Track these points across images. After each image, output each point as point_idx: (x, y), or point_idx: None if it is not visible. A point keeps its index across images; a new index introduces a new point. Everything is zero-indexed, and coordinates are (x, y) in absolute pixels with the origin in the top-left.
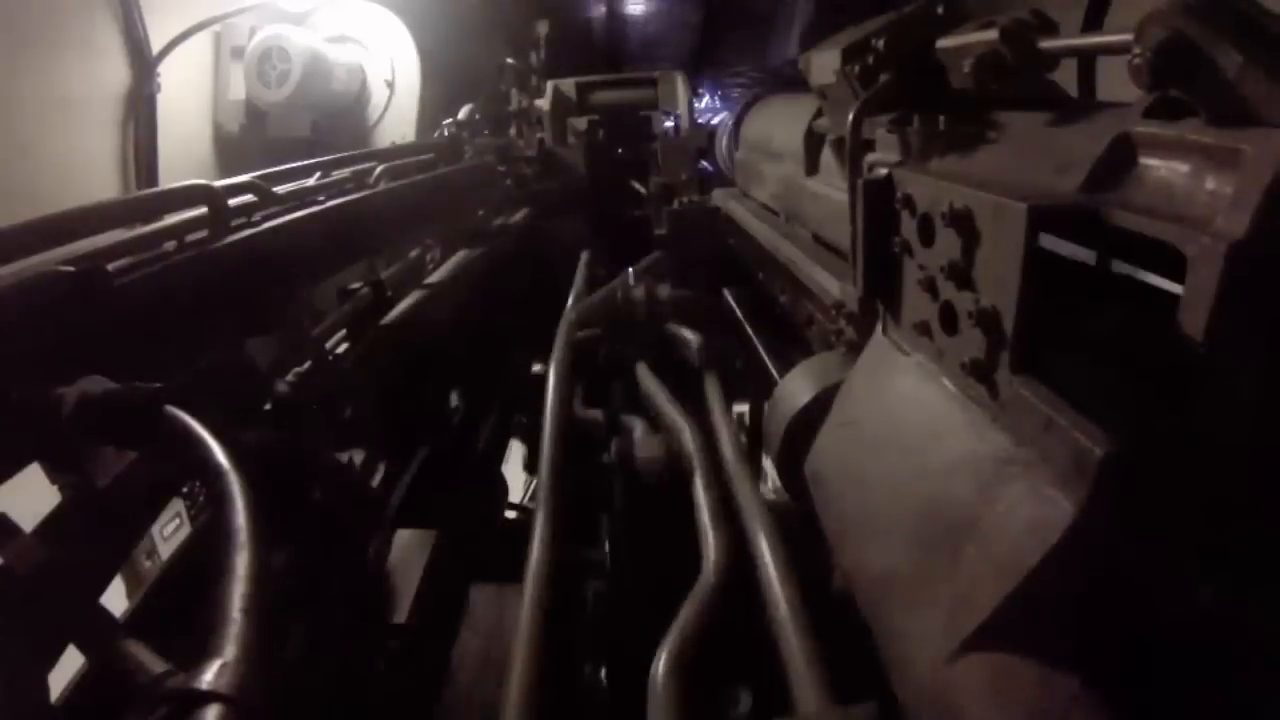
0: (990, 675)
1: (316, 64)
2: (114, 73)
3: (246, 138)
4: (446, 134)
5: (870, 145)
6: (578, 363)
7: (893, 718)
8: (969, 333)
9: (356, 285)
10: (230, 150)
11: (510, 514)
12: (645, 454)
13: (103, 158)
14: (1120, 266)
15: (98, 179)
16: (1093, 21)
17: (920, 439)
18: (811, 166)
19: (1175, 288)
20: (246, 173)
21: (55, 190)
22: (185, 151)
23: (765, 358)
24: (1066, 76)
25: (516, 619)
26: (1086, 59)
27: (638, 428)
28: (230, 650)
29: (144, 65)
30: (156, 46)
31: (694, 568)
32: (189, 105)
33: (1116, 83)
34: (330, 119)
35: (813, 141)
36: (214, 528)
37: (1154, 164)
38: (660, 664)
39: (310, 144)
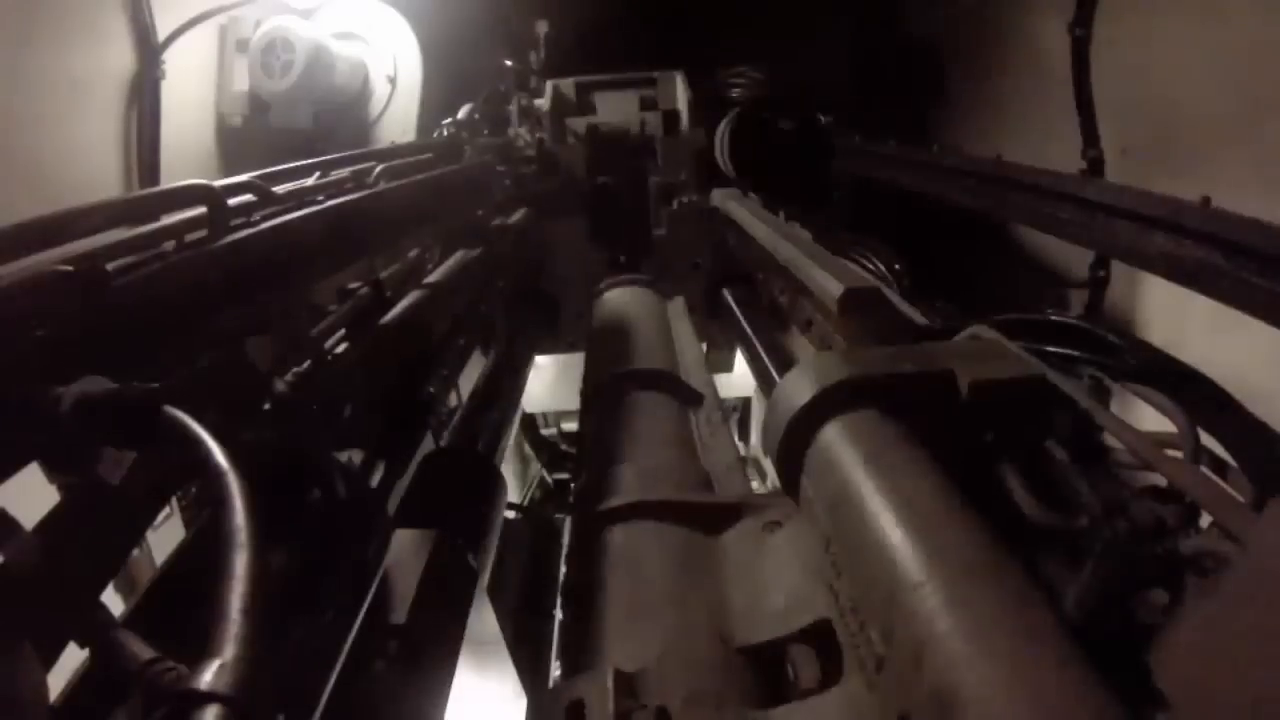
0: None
1: (320, 56)
2: (119, 56)
3: (250, 129)
4: (446, 134)
5: None
6: None
7: None
8: None
9: (356, 285)
10: (233, 141)
11: (510, 514)
12: None
13: (106, 138)
14: None
15: (100, 160)
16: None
17: None
18: None
19: None
20: (249, 163)
21: (58, 167)
22: (188, 140)
23: (765, 358)
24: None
25: None
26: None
27: None
28: (230, 650)
29: (149, 51)
30: (162, 34)
31: None
32: (193, 95)
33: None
34: (332, 112)
35: None
36: (213, 528)
37: None
38: None
39: (312, 136)
